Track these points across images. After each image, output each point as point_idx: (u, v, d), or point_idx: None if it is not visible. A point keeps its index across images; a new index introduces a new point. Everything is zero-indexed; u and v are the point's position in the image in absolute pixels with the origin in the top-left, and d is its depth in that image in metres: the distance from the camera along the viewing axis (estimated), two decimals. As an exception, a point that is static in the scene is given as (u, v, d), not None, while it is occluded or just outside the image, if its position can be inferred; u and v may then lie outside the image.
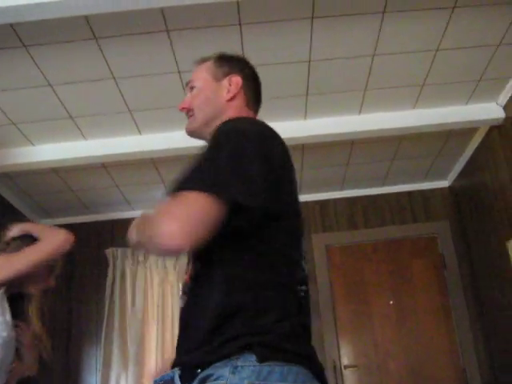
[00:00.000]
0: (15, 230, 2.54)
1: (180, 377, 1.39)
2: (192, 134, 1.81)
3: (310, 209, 5.17)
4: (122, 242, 5.08)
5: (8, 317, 2.30)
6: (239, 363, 1.30)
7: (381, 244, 5.10)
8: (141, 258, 5.06)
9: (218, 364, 1.32)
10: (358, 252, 5.09)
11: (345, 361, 4.78)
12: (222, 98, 1.76)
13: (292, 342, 1.38)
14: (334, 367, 4.70)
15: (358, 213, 5.20)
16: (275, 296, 1.42)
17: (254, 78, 1.86)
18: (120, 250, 5.05)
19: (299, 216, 1.59)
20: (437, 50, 3.33)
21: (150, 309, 4.94)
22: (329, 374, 4.68)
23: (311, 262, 4.99)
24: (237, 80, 1.78)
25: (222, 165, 1.36)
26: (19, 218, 4.92)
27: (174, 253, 1.34)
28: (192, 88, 1.82)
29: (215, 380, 1.29)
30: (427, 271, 4.99)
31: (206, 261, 1.49)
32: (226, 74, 1.79)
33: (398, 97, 3.78)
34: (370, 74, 3.50)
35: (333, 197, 5.25)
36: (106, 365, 4.74)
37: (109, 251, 5.05)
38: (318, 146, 4.30)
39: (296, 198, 1.59)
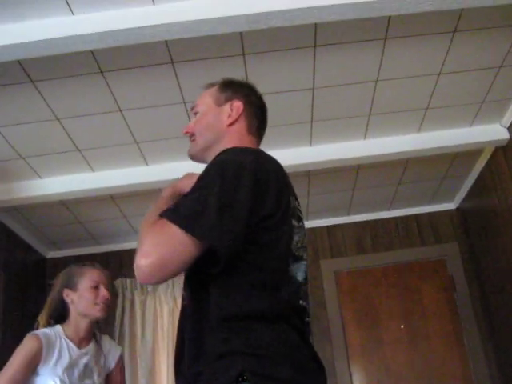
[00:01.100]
0: None
1: None
2: (193, 157, 1.84)
3: (318, 234, 5.16)
4: (131, 273, 5.09)
5: None
6: None
7: (390, 268, 5.08)
8: (150, 288, 5.04)
9: None
10: (367, 277, 5.06)
11: (357, 387, 4.73)
12: (222, 122, 1.78)
13: (291, 368, 1.37)
14: (347, 394, 4.66)
15: (366, 237, 5.19)
16: (270, 316, 1.42)
17: (259, 104, 1.87)
18: (129, 281, 5.05)
19: (291, 237, 1.57)
20: (439, 74, 3.36)
21: (161, 339, 4.92)
22: (341, 401, 4.64)
23: (320, 287, 4.97)
24: (238, 105, 1.79)
25: (209, 203, 1.38)
26: (27, 250, 4.94)
27: (148, 284, 1.37)
28: (196, 113, 1.85)
29: None
30: (437, 294, 4.96)
31: (193, 292, 1.52)
32: (228, 99, 1.81)
33: (402, 121, 3.80)
34: (373, 99, 3.53)
35: (340, 222, 5.24)
36: None
37: (117, 282, 5.04)
38: (323, 172, 4.31)
39: (290, 224, 1.57)
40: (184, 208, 1.40)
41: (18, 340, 4.47)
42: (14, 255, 4.66)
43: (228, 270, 1.42)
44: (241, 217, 1.40)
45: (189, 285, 1.55)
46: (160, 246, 1.34)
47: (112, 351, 2.84)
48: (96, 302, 2.66)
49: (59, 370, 2.51)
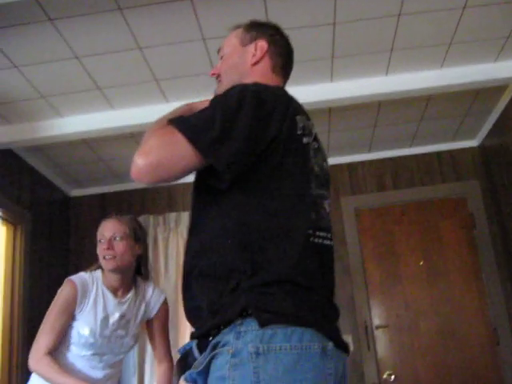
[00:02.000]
0: None
1: (197, 345, 1.50)
2: None
3: (339, 172, 5.15)
4: (154, 210, 5.17)
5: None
6: (242, 329, 1.37)
7: (410, 205, 5.09)
8: (172, 225, 5.11)
9: (225, 331, 1.39)
10: (388, 214, 5.09)
11: (376, 321, 4.82)
12: (247, 62, 1.80)
13: (295, 304, 1.40)
14: (366, 327, 4.76)
15: (387, 174, 5.18)
16: (277, 246, 1.45)
17: (284, 44, 1.87)
18: (152, 217, 5.11)
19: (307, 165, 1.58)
20: (464, 7, 3.28)
21: (183, 274, 5.01)
22: (360, 335, 4.74)
23: (340, 225, 5.01)
24: (262, 44, 1.80)
25: (215, 122, 1.43)
26: (52, 189, 5.01)
27: (140, 182, 1.43)
28: (223, 55, 1.87)
29: (222, 346, 1.38)
30: (457, 232, 4.97)
31: (199, 209, 1.58)
32: (253, 39, 1.82)
33: (424, 56, 3.73)
34: (395, 34, 3.46)
35: (361, 159, 5.23)
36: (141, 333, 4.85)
37: (140, 219, 5.11)
38: (344, 109, 4.28)
39: (306, 156, 1.59)
40: (192, 120, 1.47)
41: (47, 275, 4.63)
42: (38, 194, 4.75)
43: (239, 193, 1.48)
44: (243, 136, 1.44)
45: (196, 208, 1.59)
46: (161, 149, 1.41)
47: (154, 298, 2.83)
48: (103, 255, 2.60)
49: (92, 318, 2.54)
